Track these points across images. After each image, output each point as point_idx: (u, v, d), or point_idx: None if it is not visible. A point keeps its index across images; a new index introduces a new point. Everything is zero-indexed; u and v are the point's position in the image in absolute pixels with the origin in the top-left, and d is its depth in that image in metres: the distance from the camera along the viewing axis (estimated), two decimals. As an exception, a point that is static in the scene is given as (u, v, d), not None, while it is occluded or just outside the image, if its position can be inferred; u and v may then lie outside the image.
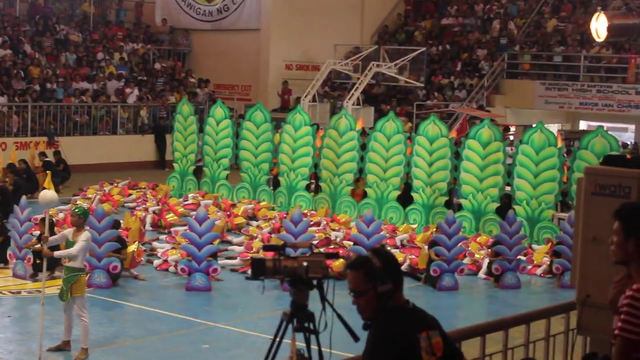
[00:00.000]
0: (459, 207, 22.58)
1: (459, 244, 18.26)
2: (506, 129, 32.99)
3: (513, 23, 39.57)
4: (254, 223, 22.51)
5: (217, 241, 18.57)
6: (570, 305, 8.26)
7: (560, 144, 22.80)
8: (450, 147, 22.85)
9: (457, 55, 39.56)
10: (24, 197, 19.06)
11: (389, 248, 18.43)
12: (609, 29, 14.68)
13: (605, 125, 23.97)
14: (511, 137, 32.13)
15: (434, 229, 19.98)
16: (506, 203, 22.27)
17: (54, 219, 17.43)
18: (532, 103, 36.23)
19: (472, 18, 41.12)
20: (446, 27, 41.43)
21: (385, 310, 5.36)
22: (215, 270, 17.34)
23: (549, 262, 19.09)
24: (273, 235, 19.78)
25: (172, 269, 18.12)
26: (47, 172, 18.64)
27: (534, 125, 23.61)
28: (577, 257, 7.84)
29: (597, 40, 28.69)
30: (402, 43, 39.86)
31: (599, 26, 15.14)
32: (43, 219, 13.99)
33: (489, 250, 19.15)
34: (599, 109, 34.74)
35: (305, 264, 5.57)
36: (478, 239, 20.84)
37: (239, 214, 23.31)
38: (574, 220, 7.67)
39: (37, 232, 16.80)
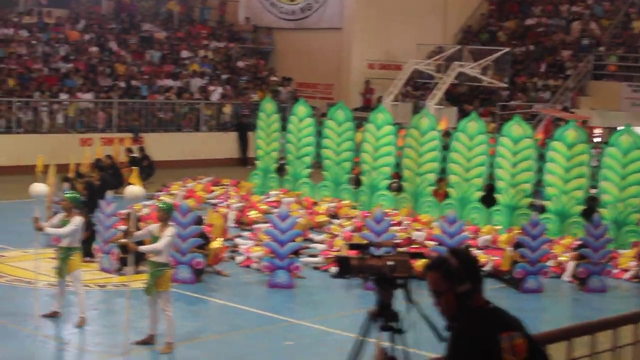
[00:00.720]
0: (543, 209, 22.38)
1: (543, 246, 18.09)
2: (591, 130, 32.56)
3: (595, 24, 39.11)
4: (336, 221, 22.54)
5: (300, 239, 18.66)
6: (659, 310, 8.16)
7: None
8: (534, 148, 22.66)
9: (541, 56, 39.19)
10: (109, 192, 19.37)
11: (471, 249, 18.33)
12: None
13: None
14: (597, 139, 31.72)
15: (518, 231, 19.85)
16: (591, 205, 22.01)
17: (139, 214, 17.64)
18: (618, 105, 35.75)
19: (556, 18, 40.70)
20: (530, 27, 41.08)
21: (465, 310, 5.39)
22: (297, 267, 17.42)
23: (636, 267, 18.86)
24: (355, 234, 19.78)
25: (254, 265, 18.22)
26: (133, 167, 18.90)
27: (620, 128, 23.33)
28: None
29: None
30: (485, 43, 39.60)
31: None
32: (129, 214, 14.19)
33: (574, 252, 18.97)
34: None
35: (390, 263, 5.60)
36: (562, 242, 20.62)
37: (321, 212, 23.37)
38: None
39: (123, 227, 17.03)
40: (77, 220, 13.97)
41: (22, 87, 31.08)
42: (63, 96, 31.70)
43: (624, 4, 39.86)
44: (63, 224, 14.00)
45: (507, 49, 36.63)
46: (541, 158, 22.60)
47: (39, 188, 14.34)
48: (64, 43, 34.26)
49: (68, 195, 14.56)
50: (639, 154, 21.60)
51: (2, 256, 18.30)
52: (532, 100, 36.67)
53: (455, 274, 5.30)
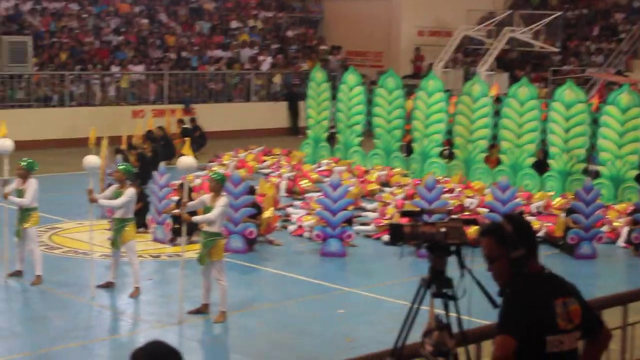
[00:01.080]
0: (597, 174, 22.20)
1: (597, 212, 17.96)
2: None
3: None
4: (387, 189, 22.51)
5: (351, 207, 18.66)
6: None
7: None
8: (587, 113, 22.45)
9: (594, 19, 38.78)
10: (162, 164, 19.48)
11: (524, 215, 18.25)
12: None
13: None
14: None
15: (571, 197, 19.72)
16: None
17: (191, 185, 17.74)
18: (673, 67, 35.41)
19: (609, -20, 40.26)
20: (583, -11, 40.64)
21: (519, 276, 5.36)
22: (349, 236, 17.43)
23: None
24: (407, 202, 19.73)
25: (306, 234, 18.27)
26: (185, 138, 18.97)
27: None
28: None
29: None
30: (536, 7, 39.27)
31: None
32: (181, 185, 14.25)
33: (628, 218, 18.82)
34: None
35: (443, 229, 5.57)
36: (617, 207, 20.48)
37: (373, 180, 23.36)
38: None
39: (176, 198, 17.13)
40: (130, 192, 14.07)
41: (74, 60, 31.28)
42: (114, 69, 31.91)
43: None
44: (116, 195, 14.11)
45: (559, 13, 36.31)
46: (594, 122, 22.42)
47: (92, 160, 14.44)
48: (115, 16, 34.44)
49: (121, 167, 14.66)
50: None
51: (58, 228, 18.48)
52: (585, 64, 36.37)
53: (509, 239, 5.28)
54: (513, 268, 5.31)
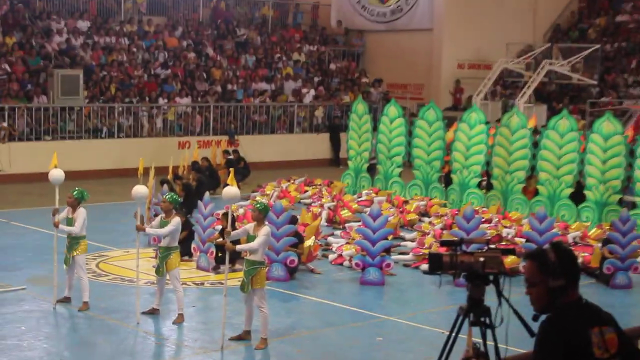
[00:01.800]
0: (634, 205, 22.04)
1: (634, 242, 17.82)
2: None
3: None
4: (426, 219, 22.44)
5: (390, 237, 18.61)
6: None
7: None
8: (624, 145, 22.34)
9: (632, 52, 38.61)
10: (207, 193, 19.54)
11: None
12: None
13: None
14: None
15: (608, 227, 19.57)
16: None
17: (235, 214, 17.78)
18: None
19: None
20: (621, 23, 40.48)
21: (556, 305, 5.32)
22: (388, 265, 17.38)
23: None
24: (445, 232, 19.68)
25: (346, 263, 18.22)
26: (229, 169, 19.02)
27: None
28: None
29: None
30: (575, 41, 39.16)
31: None
32: (225, 214, 14.31)
33: (666, 248, 18.66)
34: None
35: (481, 259, 5.56)
36: (654, 237, 20.35)
37: (412, 210, 23.31)
38: None
39: (220, 227, 17.16)
40: (176, 221, 14.13)
41: (123, 93, 31.51)
42: (162, 101, 32.10)
43: None
44: (162, 224, 14.18)
45: (597, 46, 36.17)
46: (631, 154, 22.30)
47: (140, 190, 14.52)
48: (163, 49, 34.68)
49: (168, 197, 14.72)
50: None
51: (105, 256, 18.56)
52: (622, 96, 36.20)
53: (551, 268, 5.27)
54: (551, 296, 5.29)
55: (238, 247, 13.19)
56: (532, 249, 5.58)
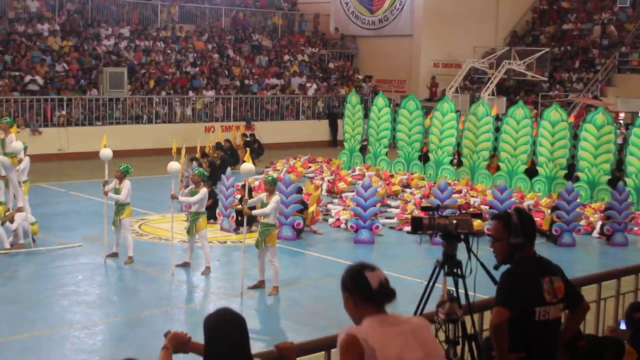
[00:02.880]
0: (577, 179, 22.06)
1: (577, 209, 17.87)
2: (617, 114, 31.98)
3: (613, 27, 38.39)
4: (408, 190, 22.47)
5: (379, 204, 18.63)
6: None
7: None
8: (569, 130, 22.33)
9: (575, 55, 38.53)
10: (228, 169, 19.55)
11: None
12: None
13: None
14: (621, 122, 31.15)
15: (556, 197, 19.60)
16: (617, 176, 21.69)
17: (251, 186, 17.78)
18: (639, 93, 35.03)
19: (588, 23, 39.91)
20: (566, 31, 40.36)
21: (515, 258, 5.34)
22: (377, 227, 17.43)
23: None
24: (423, 200, 19.70)
25: (343, 226, 18.26)
26: (247, 149, 18.98)
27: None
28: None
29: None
30: (529, 45, 39.04)
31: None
32: (244, 186, 14.30)
33: (602, 214, 18.70)
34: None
35: (454, 222, 5.56)
36: (592, 205, 20.37)
37: (396, 182, 23.32)
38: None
39: (239, 196, 17.16)
40: (203, 191, 14.16)
41: (159, 87, 31.47)
42: (191, 93, 32.05)
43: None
44: (192, 194, 14.20)
45: (547, 49, 36.14)
46: (575, 137, 22.30)
47: (174, 166, 14.54)
48: (192, 51, 34.59)
49: (196, 171, 14.76)
50: (658, 133, 21.31)
51: (146, 219, 18.59)
52: (568, 90, 36.17)
53: (513, 228, 5.30)
54: (511, 250, 5.32)
55: (254, 212, 13.22)
56: (500, 211, 5.61)
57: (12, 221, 15.36)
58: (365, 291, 4.16)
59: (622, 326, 7.03)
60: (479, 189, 22.19)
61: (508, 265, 5.40)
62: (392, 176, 24.38)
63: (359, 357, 4.01)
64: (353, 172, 25.14)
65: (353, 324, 4.18)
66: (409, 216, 17.69)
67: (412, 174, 24.64)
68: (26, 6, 31.93)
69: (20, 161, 15.81)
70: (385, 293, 4.19)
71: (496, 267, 5.43)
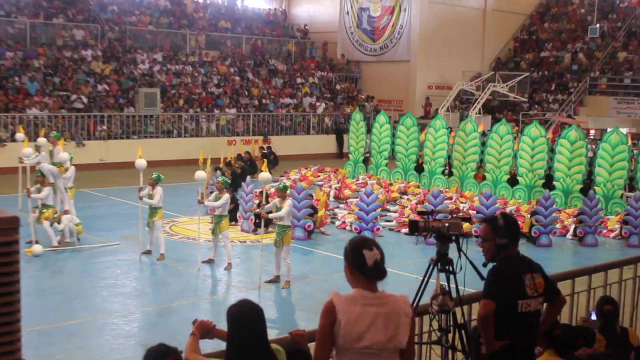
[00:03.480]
0: (553, 187, 22.01)
1: (553, 214, 17.83)
2: (588, 131, 31.95)
3: (583, 55, 38.40)
4: (405, 197, 22.43)
5: (379, 209, 18.60)
6: (637, 258, 8.01)
7: (630, 142, 22.15)
8: (547, 144, 22.30)
9: (552, 79, 38.49)
10: (248, 177, 19.56)
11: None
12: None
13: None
14: (591, 137, 31.11)
15: (535, 203, 19.56)
16: (588, 185, 21.65)
17: (268, 192, 17.79)
18: (607, 113, 35.04)
19: (563, 52, 39.89)
20: (544, 58, 40.32)
21: (500, 257, 5.35)
22: (378, 229, 17.43)
23: (619, 228, 18.46)
24: (419, 205, 19.69)
25: (348, 227, 18.26)
26: (264, 160, 19.02)
27: (609, 129, 22.92)
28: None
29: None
30: (511, 70, 39.02)
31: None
32: (261, 192, 14.32)
33: (575, 218, 18.66)
34: (658, 117, 33.48)
35: (446, 224, 5.56)
36: (567, 211, 20.31)
37: (395, 190, 23.30)
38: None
39: (257, 201, 17.19)
40: (226, 197, 14.19)
41: (188, 105, 31.54)
42: (215, 111, 32.10)
43: (612, 40, 38.94)
44: (216, 199, 14.22)
45: (527, 74, 36.15)
46: (552, 151, 22.27)
47: (200, 174, 14.56)
48: (216, 74, 34.67)
49: (220, 179, 14.78)
50: (624, 148, 21.21)
51: (176, 221, 18.62)
52: (545, 110, 36.12)
53: (499, 230, 5.30)
54: (497, 250, 5.33)
55: (270, 215, 13.24)
56: (488, 215, 5.63)
57: (59, 222, 15.43)
58: (360, 266, 4.20)
59: (593, 317, 7.02)
60: (467, 195, 22.15)
61: (494, 263, 5.42)
62: (391, 184, 24.35)
63: (330, 323, 4.13)
64: (357, 180, 25.12)
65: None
66: (406, 219, 17.68)
67: (409, 182, 24.61)
68: (72, 35, 32.04)
69: (66, 170, 15.92)
70: (378, 271, 4.22)
71: (484, 264, 5.45)
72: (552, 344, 5.82)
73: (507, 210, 20.00)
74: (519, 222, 18.04)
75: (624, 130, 24.21)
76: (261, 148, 29.55)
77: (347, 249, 4.29)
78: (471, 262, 5.47)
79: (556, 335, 5.79)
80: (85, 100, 28.80)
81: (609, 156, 21.21)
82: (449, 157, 24.46)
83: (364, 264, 4.20)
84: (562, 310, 6.09)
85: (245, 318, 4.23)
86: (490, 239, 5.36)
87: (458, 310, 5.64)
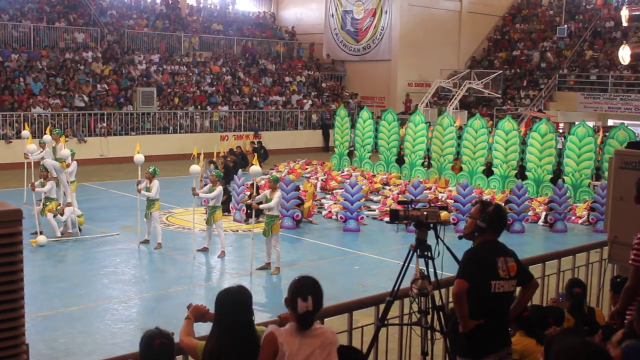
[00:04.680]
0: (525, 177, 22.08)
1: (525, 202, 17.89)
2: (557, 125, 32.06)
3: (550, 54, 38.52)
4: (387, 187, 22.46)
5: (363, 199, 18.62)
6: (603, 243, 8.04)
7: (601, 135, 22.28)
8: (519, 137, 22.35)
9: (523, 76, 38.57)
10: (240, 171, 19.51)
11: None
12: (631, 56, 14.17)
13: (626, 122, 23.22)
14: (560, 130, 31.22)
15: (508, 192, 19.62)
16: (557, 174, 21.73)
17: (258, 184, 17.77)
18: (575, 107, 35.10)
19: (533, 50, 39.96)
20: (516, 56, 40.37)
21: (475, 237, 5.37)
22: (362, 217, 17.43)
23: (587, 215, 18.54)
24: (400, 195, 19.70)
25: (334, 217, 18.27)
26: (255, 154, 18.98)
27: (577, 123, 22.98)
28: (608, 210, 7.62)
29: (623, 64, 27.52)
30: (486, 67, 39.05)
31: (624, 54, 14.60)
32: (252, 184, 14.29)
33: (545, 206, 18.72)
34: (622, 111, 33.55)
35: (425, 213, 5.56)
36: (538, 199, 20.38)
37: (377, 181, 23.32)
38: (606, 186, 7.42)
39: (248, 193, 17.18)
40: (219, 189, 14.15)
41: (183, 103, 31.43)
42: (209, 108, 32.00)
43: (578, 40, 39.05)
44: (210, 191, 14.19)
45: (500, 72, 36.17)
46: (524, 143, 22.32)
47: (194, 168, 14.51)
48: (209, 74, 34.55)
49: (213, 172, 14.75)
50: (590, 140, 21.26)
51: (172, 212, 18.57)
52: (518, 105, 36.19)
53: (484, 214, 5.31)
54: (475, 229, 5.34)
55: (261, 206, 13.21)
56: (483, 200, 5.66)
57: (62, 214, 15.36)
58: (293, 309, 4.26)
59: (562, 298, 7.05)
60: (445, 186, 22.18)
61: (469, 241, 5.44)
62: (374, 176, 24.37)
63: (272, 353, 4.19)
64: (342, 172, 25.13)
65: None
66: (388, 209, 17.70)
67: (391, 174, 24.63)
68: (74, 37, 31.83)
69: (68, 165, 15.83)
70: (304, 321, 4.26)
71: (460, 237, 5.47)
72: (522, 326, 5.85)
73: (483, 199, 20.04)
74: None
75: (591, 124, 24.30)
76: (252, 143, 29.49)
77: (289, 288, 4.33)
78: (448, 248, 5.48)
79: (525, 317, 5.82)
80: (86, 99, 28.65)
81: (577, 147, 21.28)
82: (428, 149, 24.49)
83: (295, 309, 4.24)
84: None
85: (230, 302, 4.24)
86: (474, 217, 5.39)
87: (436, 293, 5.66)
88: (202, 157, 15.93)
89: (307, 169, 26.17)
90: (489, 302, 5.27)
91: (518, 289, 5.53)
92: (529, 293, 5.63)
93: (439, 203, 18.69)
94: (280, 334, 4.21)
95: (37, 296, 11.19)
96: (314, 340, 4.27)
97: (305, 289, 4.26)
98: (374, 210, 19.19)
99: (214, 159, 22.01)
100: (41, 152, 17.08)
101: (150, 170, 14.73)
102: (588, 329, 5.93)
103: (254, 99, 34.21)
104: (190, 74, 33.78)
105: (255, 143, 29.46)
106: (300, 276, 4.37)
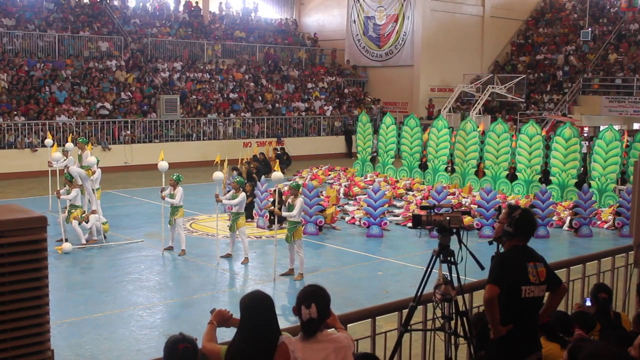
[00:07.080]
0: (550, 182, 21.90)
1: (550, 207, 17.75)
2: (582, 129, 31.80)
3: (573, 57, 38.22)
4: (411, 193, 22.40)
5: (386, 205, 18.58)
6: (629, 247, 7.95)
7: (625, 138, 22.07)
8: (543, 141, 22.19)
9: (547, 80, 38.32)
10: (263, 177, 19.54)
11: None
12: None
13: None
14: (585, 134, 30.98)
15: (532, 197, 19.47)
16: (582, 179, 21.54)
17: (281, 191, 17.78)
18: (599, 111, 34.82)
19: (557, 54, 39.68)
20: (539, 60, 40.13)
21: (503, 242, 5.39)
22: (385, 223, 17.38)
23: (612, 219, 18.36)
24: (423, 201, 19.62)
25: (357, 223, 18.24)
26: (277, 160, 19.00)
27: (603, 127, 22.82)
28: (634, 215, 7.50)
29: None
30: (509, 72, 38.88)
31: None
32: (275, 191, 14.31)
33: (570, 211, 18.56)
34: (648, 114, 33.36)
35: (448, 218, 5.54)
36: (563, 204, 20.21)
37: (401, 187, 23.25)
38: (632, 190, 7.31)
39: (271, 199, 17.20)
40: (242, 195, 14.18)
41: (206, 110, 31.58)
42: (232, 115, 32.13)
43: (603, 43, 38.74)
44: (233, 197, 14.22)
45: (524, 76, 35.95)
46: (547, 148, 22.16)
47: (218, 175, 14.57)
48: (232, 81, 34.70)
49: (236, 179, 14.78)
50: (617, 144, 21.07)
51: (195, 219, 18.64)
52: (541, 109, 35.96)
53: (511, 219, 5.33)
54: (503, 234, 5.36)
55: (284, 213, 13.23)
56: (514, 205, 5.63)
57: (87, 221, 15.48)
58: (299, 317, 4.32)
59: (588, 303, 6.98)
60: (468, 191, 22.07)
61: (499, 245, 5.45)
62: (397, 181, 24.31)
63: None
64: (365, 178, 25.10)
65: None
66: (411, 214, 17.62)
67: (414, 179, 24.55)
68: (98, 46, 32.15)
69: (93, 173, 15.96)
70: (307, 329, 4.29)
71: (490, 243, 5.49)
72: (544, 331, 5.81)
73: (506, 204, 19.92)
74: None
75: (616, 128, 24.05)
76: (275, 149, 29.54)
77: (297, 297, 4.37)
78: (471, 253, 5.45)
79: (545, 322, 5.79)
80: (110, 107, 28.89)
81: (604, 152, 21.09)
82: (451, 155, 24.38)
83: (300, 317, 4.30)
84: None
85: (255, 307, 4.26)
86: (503, 222, 5.42)
87: (460, 298, 5.63)
88: (225, 163, 16.00)
89: (330, 175, 26.16)
90: (519, 308, 5.25)
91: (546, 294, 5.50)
92: (557, 298, 5.59)
93: (463, 208, 18.63)
94: (290, 342, 4.26)
95: (62, 303, 11.29)
96: (327, 345, 4.30)
97: (309, 297, 4.29)
98: (397, 216, 19.13)
99: (237, 166, 22.08)
100: (65, 159, 17.26)
101: (174, 177, 14.81)
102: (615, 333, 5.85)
103: (277, 105, 34.30)
104: (213, 81, 33.95)
105: (278, 149, 29.52)
106: (306, 285, 4.42)
